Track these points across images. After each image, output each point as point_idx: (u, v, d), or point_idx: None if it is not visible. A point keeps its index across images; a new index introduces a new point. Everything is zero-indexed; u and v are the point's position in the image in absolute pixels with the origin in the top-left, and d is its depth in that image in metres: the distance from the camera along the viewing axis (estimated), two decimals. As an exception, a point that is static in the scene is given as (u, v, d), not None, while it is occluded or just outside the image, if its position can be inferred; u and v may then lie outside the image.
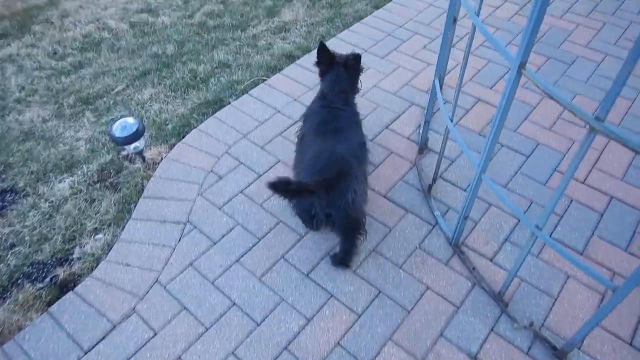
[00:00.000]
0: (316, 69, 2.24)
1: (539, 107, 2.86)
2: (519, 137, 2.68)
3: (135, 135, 2.34)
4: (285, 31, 3.75)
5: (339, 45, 3.44)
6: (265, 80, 3.15)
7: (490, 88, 3.03)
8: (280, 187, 1.65)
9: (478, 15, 1.66)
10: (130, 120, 2.36)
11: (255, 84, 3.13)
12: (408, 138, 2.71)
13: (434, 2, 3.88)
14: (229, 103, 2.98)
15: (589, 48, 3.34)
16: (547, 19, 3.58)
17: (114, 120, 2.47)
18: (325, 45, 2.11)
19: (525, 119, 2.80)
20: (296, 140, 2.33)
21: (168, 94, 3.14)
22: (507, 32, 3.51)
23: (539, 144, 2.64)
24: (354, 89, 2.22)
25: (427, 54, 3.34)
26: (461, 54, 1.98)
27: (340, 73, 2.13)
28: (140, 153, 2.50)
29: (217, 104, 3.01)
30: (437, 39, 3.48)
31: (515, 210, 1.68)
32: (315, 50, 2.15)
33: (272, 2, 4.16)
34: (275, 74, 3.22)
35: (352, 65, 2.15)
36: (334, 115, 2.05)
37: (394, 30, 3.58)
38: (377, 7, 3.93)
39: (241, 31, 3.80)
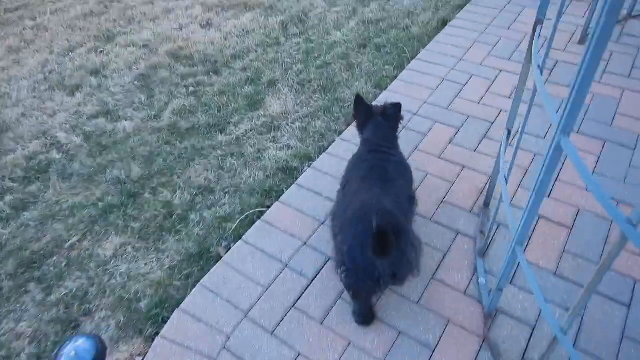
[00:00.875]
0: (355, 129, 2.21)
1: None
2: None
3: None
4: (274, 129, 3.09)
5: (344, 147, 2.78)
6: (262, 213, 2.46)
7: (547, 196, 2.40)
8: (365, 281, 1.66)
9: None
10: (82, 342, 1.62)
11: (250, 221, 2.44)
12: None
13: (446, 76, 3.29)
14: (220, 257, 2.27)
15: (646, 122, 2.77)
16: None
17: (60, 348, 1.73)
18: (361, 97, 2.12)
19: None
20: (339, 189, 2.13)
21: (137, 245, 2.42)
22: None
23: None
24: (395, 137, 2.15)
25: (455, 150, 2.71)
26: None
27: (381, 122, 2.09)
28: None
29: (203, 258, 2.30)
30: (463, 127, 2.86)
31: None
32: (353, 105, 2.14)
33: (253, 88, 3.51)
34: (272, 200, 2.54)
35: (391, 115, 2.11)
36: (381, 164, 1.94)
37: (406, 120, 2.95)
38: (379, 87, 3.31)
39: (221, 132, 3.13)
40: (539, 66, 1.45)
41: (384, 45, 3.77)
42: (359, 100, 2.11)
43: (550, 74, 3.20)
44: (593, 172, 2.48)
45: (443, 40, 3.63)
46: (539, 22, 1.62)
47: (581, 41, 3.44)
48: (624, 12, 3.60)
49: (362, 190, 1.82)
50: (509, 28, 3.72)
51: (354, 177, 1.97)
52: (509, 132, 1.99)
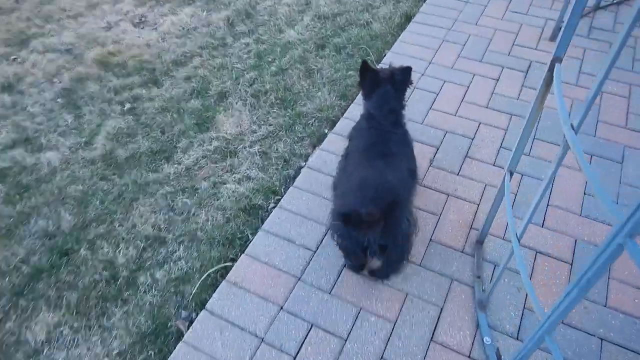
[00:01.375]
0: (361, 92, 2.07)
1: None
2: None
3: None
4: (230, 155, 2.68)
5: (312, 178, 2.44)
6: (226, 269, 2.10)
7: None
8: (355, 219, 1.62)
9: None
10: None
11: (212, 282, 2.07)
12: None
13: (417, 84, 2.99)
14: (181, 335, 1.90)
15: None
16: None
17: None
18: (367, 63, 1.96)
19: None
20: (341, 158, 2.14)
21: (76, 324, 1.99)
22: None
23: None
24: (402, 105, 2.04)
25: (437, 174, 2.44)
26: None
27: (388, 91, 1.96)
28: None
29: (160, 337, 1.92)
30: (442, 147, 2.59)
31: None
32: (358, 72, 2.01)
33: (200, 102, 3.06)
34: (237, 252, 2.18)
35: (400, 81, 1.98)
36: (384, 137, 1.89)
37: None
38: (344, 98, 2.97)
39: (167, 161, 2.69)
40: (572, 127, 1.15)
41: (345, 46, 3.40)
42: (365, 67, 1.96)
43: (526, 76, 2.98)
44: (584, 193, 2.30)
45: (409, 40, 3.32)
46: (557, 60, 1.33)
47: (552, 37, 3.24)
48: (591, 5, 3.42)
49: (364, 164, 1.81)
50: (476, 23, 3.46)
51: (355, 151, 1.94)
52: (511, 175, 1.73)
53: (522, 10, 3.56)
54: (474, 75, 3.02)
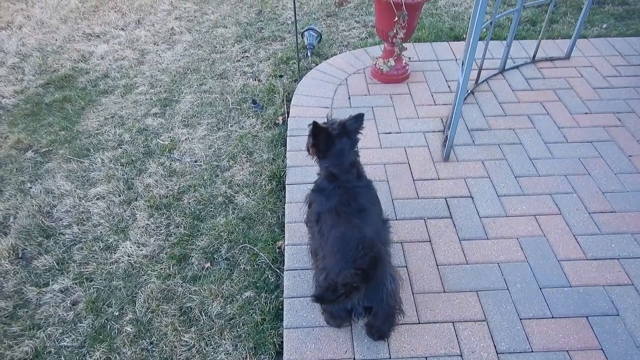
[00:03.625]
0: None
1: None
2: None
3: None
4: None
5: None
6: None
7: None
8: (328, 297, 1.59)
9: None
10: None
11: None
12: None
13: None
14: None
15: None
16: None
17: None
18: (317, 123, 1.84)
19: None
20: (307, 222, 2.14)
21: None
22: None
23: None
24: (358, 154, 2.00)
25: None
26: None
27: (344, 146, 1.91)
28: None
29: None
30: None
31: None
32: (311, 133, 1.87)
33: None
34: None
35: (354, 130, 1.94)
36: (352, 194, 1.86)
37: None
38: (262, 350, 2.03)
39: None
40: None
41: (216, 249, 2.45)
42: (316, 128, 1.85)
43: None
44: None
45: (295, 218, 2.53)
46: None
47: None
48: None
49: (340, 223, 1.78)
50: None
51: (327, 212, 1.86)
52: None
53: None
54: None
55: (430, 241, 2.36)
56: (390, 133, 3.02)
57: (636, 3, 4.42)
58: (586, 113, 3.11)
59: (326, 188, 1.93)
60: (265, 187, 2.76)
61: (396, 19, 2.89)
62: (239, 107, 3.37)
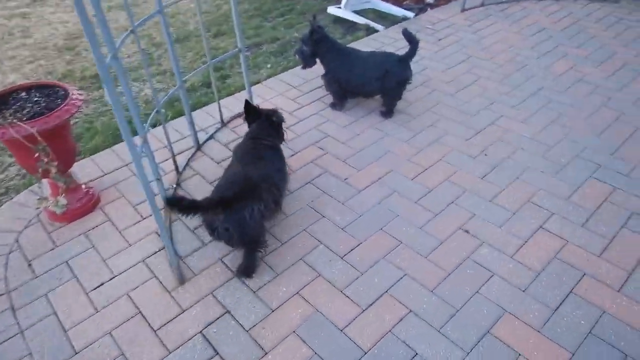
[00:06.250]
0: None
1: None
2: None
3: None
4: None
5: None
6: None
7: None
8: (174, 203, 1.94)
9: None
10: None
11: None
12: None
13: None
14: None
15: None
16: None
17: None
18: (249, 102, 2.53)
19: None
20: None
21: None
22: None
23: None
24: (279, 137, 2.59)
25: None
26: None
27: (266, 121, 2.52)
28: None
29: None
30: None
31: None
32: (244, 107, 2.51)
33: None
34: None
35: (275, 122, 2.53)
36: (259, 146, 2.39)
37: None
38: None
39: None
40: None
41: None
42: (247, 105, 2.52)
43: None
44: None
45: None
46: None
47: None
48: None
49: (236, 166, 2.32)
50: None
51: (234, 160, 2.42)
52: None
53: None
54: None
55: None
56: (102, 285, 2.32)
57: (284, 36, 4.80)
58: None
59: (243, 142, 2.51)
60: None
61: (37, 154, 2.23)
62: None
